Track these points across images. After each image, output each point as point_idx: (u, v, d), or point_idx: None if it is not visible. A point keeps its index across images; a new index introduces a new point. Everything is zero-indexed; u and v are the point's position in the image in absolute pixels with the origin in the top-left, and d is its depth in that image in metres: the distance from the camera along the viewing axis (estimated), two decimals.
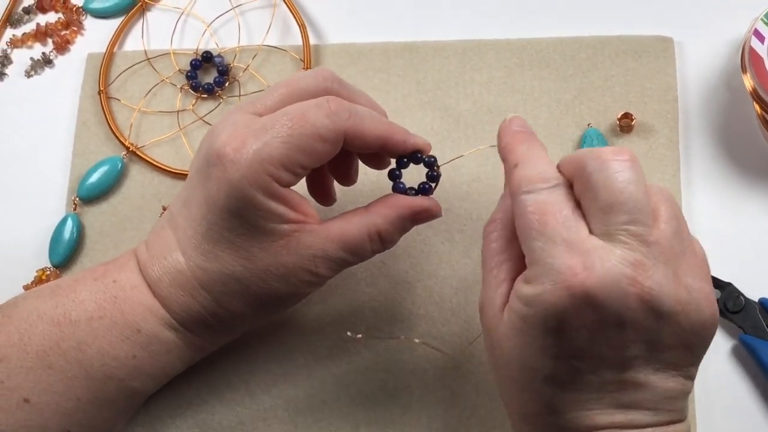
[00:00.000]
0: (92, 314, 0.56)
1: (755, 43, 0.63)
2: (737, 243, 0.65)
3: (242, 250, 0.54)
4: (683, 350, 0.47)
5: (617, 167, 0.47)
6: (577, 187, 0.48)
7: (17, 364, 0.54)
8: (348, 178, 0.61)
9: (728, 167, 0.67)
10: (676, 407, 0.48)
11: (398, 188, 0.58)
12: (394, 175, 0.58)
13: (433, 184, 0.58)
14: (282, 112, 0.53)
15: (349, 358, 0.64)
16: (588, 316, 0.45)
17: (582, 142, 0.68)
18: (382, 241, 0.56)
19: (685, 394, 0.49)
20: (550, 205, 0.48)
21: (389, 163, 0.59)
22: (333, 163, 0.57)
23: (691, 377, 0.49)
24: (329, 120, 0.53)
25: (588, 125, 0.68)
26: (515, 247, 0.51)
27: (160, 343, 0.57)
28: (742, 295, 0.63)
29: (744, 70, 0.65)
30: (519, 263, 0.50)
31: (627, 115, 0.68)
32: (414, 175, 0.59)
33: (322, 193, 0.62)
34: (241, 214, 0.53)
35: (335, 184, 0.63)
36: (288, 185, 0.53)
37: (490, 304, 0.50)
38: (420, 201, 0.57)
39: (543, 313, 0.46)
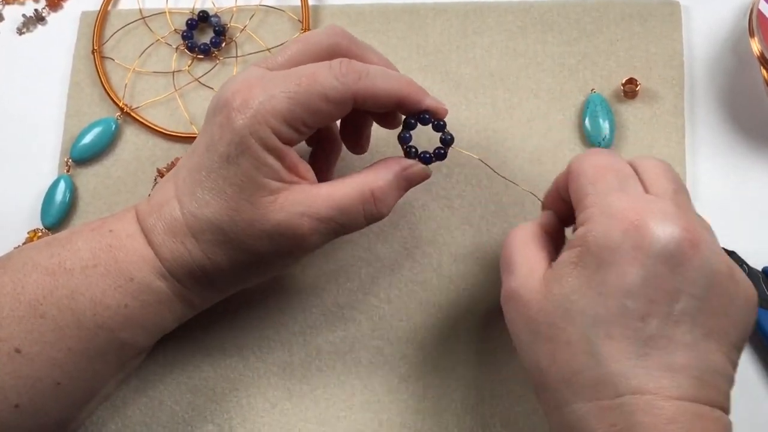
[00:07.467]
0: (87, 263, 0.55)
1: (763, 6, 0.62)
2: (742, 211, 0.65)
3: (231, 201, 0.54)
4: (728, 322, 0.48)
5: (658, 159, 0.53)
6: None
7: (9, 313, 0.54)
8: (359, 146, 0.62)
9: (734, 134, 0.66)
10: (721, 387, 0.48)
11: (410, 154, 0.57)
12: (404, 139, 0.57)
13: (443, 150, 0.57)
14: (294, 70, 0.54)
15: (345, 325, 0.64)
16: (641, 250, 0.47)
17: (585, 108, 0.67)
18: (376, 200, 0.56)
19: (729, 377, 0.48)
20: (608, 163, 0.52)
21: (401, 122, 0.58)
22: (345, 131, 0.60)
23: (734, 363, 0.49)
24: (338, 81, 0.53)
25: (592, 90, 0.68)
26: (547, 240, 0.55)
27: (152, 293, 0.56)
28: (746, 264, 0.62)
29: (752, 34, 0.64)
30: (551, 251, 0.54)
31: (632, 81, 0.67)
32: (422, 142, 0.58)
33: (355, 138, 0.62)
34: (237, 162, 0.53)
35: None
36: (289, 142, 0.54)
37: (529, 275, 0.52)
38: (411, 161, 0.57)
39: (596, 247, 0.48)
